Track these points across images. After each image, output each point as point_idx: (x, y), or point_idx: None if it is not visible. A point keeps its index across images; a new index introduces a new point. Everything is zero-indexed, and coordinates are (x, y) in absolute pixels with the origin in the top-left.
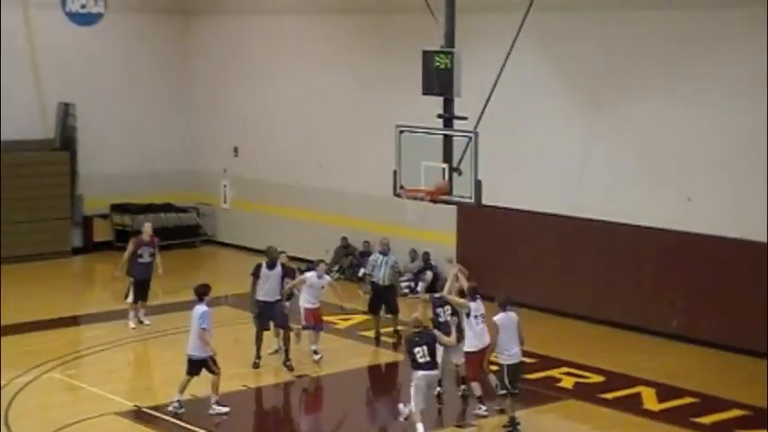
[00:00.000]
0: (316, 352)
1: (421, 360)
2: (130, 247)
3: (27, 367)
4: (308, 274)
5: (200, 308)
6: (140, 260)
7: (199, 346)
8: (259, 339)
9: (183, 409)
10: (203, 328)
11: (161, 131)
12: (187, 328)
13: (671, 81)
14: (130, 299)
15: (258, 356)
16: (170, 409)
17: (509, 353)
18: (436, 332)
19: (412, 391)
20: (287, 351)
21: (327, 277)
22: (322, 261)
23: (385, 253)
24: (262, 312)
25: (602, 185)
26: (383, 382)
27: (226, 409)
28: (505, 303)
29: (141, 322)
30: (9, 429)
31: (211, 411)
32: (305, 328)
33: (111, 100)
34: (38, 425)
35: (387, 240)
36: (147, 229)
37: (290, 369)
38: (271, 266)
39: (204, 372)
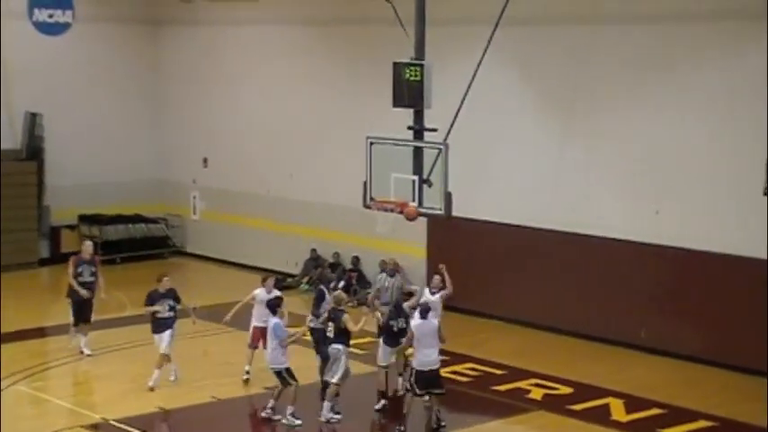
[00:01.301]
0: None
1: (329, 334)
2: (71, 267)
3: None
4: (257, 291)
5: (272, 320)
6: (80, 279)
7: (274, 358)
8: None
9: (298, 421)
10: (278, 342)
11: (130, 142)
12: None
13: (642, 94)
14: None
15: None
16: (284, 421)
17: (423, 359)
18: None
19: None
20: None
21: (277, 291)
22: (270, 276)
23: (392, 274)
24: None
25: (572, 197)
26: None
27: (299, 422)
28: (426, 311)
29: (81, 352)
30: None
31: (285, 421)
32: (250, 347)
33: (78, 110)
34: None
35: (394, 260)
36: (87, 247)
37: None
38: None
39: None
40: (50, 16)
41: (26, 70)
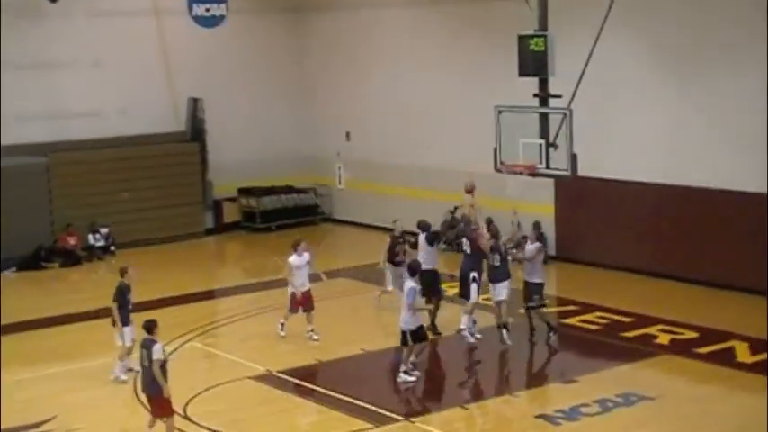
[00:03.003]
0: (313, 331)
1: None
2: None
3: (170, 338)
4: (290, 258)
5: (409, 283)
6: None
7: (404, 318)
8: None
9: (414, 375)
10: (408, 303)
11: (280, 120)
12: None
13: (757, 51)
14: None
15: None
16: (399, 379)
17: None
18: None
19: None
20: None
21: (307, 255)
22: (301, 240)
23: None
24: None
25: (692, 153)
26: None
27: (413, 378)
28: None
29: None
30: None
31: (399, 379)
32: (290, 311)
33: (234, 93)
34: (182, 389)
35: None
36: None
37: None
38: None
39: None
40: (207, 10)
41: (187, 60)
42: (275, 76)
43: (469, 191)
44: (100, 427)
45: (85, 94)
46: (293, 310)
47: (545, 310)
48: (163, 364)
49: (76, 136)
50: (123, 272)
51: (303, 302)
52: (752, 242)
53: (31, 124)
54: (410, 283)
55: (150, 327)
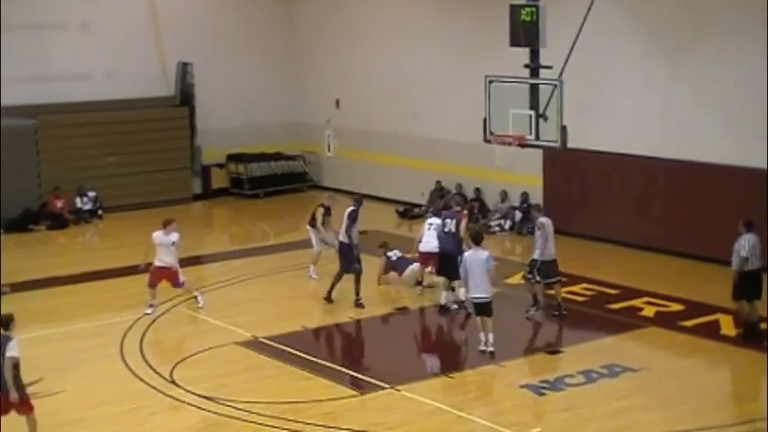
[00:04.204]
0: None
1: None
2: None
3: (157, 302)
4: (155, 234)
5: (484, 252)
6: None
7: (487, 288)
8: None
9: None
10: (488, 270)
11: (270, 87)
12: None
13: (746, 28)
14: None
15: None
16: (481, 348)
17: (548, 252)
18: None
19: None
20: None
21: (175, 234)
22: (171, 220)
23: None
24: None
25: (680, 127)
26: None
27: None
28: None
29: None
30: (144, 358)
31: (492, 349)
32: (151, 286)
33: (224, 58)
34: (168, 354)
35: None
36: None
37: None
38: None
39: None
40: None
41: (177, 24)
42: (266, 42)
43: None
44: (84, 390)
45: (74, 56)
46: (153, 284)
47: (537, 286)
48: (17, 363)
49: (65, 98)
50: None
51: (164, 277)
52: (737, 216)
53: (18, 86)
54: (485, 252)
55: (8, 322)
